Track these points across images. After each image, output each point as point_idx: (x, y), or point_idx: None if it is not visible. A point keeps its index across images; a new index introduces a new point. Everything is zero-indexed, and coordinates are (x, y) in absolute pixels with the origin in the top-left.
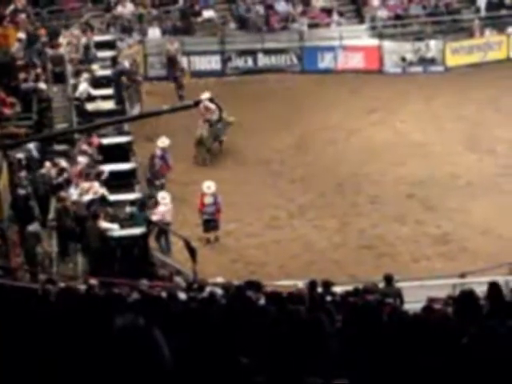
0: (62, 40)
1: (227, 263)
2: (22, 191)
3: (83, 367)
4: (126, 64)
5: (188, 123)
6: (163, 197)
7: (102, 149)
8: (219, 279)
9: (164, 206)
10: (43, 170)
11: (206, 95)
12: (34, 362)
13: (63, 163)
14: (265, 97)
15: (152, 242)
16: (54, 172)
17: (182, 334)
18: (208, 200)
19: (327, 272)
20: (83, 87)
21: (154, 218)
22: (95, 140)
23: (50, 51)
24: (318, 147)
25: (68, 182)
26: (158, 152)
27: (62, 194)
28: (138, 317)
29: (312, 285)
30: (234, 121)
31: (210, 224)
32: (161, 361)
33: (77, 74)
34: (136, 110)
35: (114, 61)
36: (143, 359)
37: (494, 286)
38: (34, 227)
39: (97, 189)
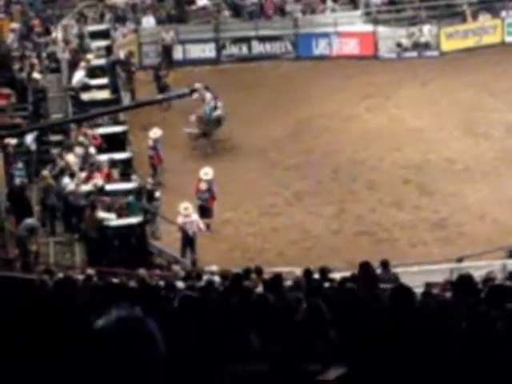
0: (54, 34)
1: (225, 251)
2: (17, 182)
3: (77, 357)
4: (121, 54)
5: (184, 111)
6: (185, 207)
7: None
8: (214, 267)
9: (183, 218)
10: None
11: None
12: (31, 350)
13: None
14: (260, 84)
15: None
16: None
17: (178, 325)
18: (202, 186)
19: (325, 258)
20: (79, 76)
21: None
22: (95, 136)
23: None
24: (313, 134)
25: (62, 172)
26: (150, 143)
27: (44, 172)
28: (133, 307)
29: (308, 271)
30: (224, 116)
31: (203, 211)
32: (154, 353)
33: (74, 64)
34: (127, 100)
35: (109, 50)
36: (136, 351)
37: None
38: (31, 221)
39: (96, 180)
